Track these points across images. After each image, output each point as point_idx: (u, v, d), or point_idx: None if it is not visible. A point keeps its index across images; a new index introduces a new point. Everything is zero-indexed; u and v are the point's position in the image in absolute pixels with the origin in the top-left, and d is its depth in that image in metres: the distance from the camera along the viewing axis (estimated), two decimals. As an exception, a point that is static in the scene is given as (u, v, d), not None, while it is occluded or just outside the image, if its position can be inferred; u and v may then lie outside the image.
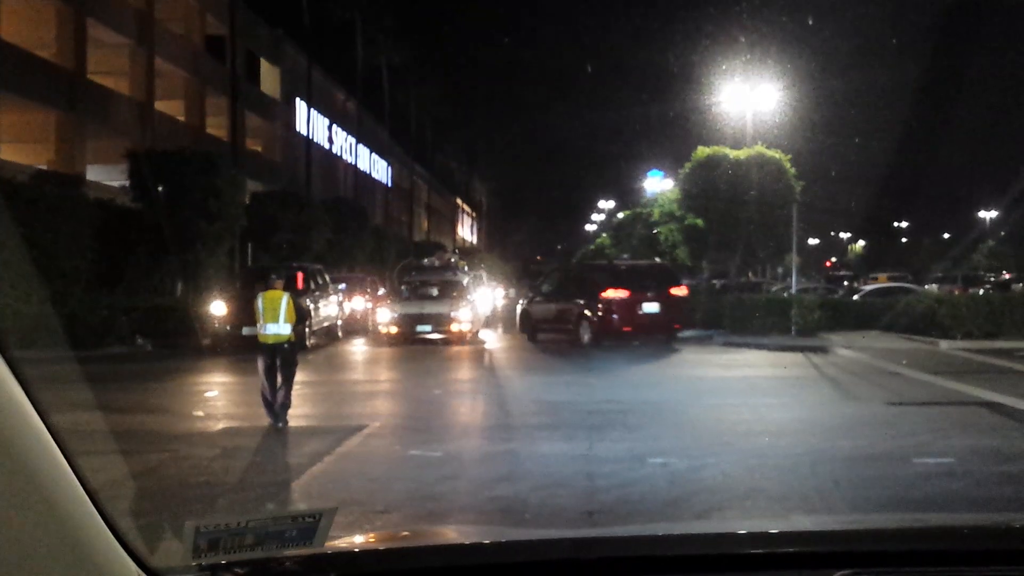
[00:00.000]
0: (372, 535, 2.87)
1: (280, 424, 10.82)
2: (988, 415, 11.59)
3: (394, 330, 22.30)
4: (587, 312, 21.72)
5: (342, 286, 26.53)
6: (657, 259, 30.04)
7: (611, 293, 21.56)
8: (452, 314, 22.47)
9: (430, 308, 22.71)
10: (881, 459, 8.98)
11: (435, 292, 23.90)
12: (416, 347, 21.65)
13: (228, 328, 20.25)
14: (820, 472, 8.34)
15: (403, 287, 24.37)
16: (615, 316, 21.30)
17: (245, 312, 18.53)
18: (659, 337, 21.99)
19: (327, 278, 24.69)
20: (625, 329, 21.54)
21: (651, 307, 21.64)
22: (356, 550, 2.23)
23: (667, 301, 21.86)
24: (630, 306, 21.44)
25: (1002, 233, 57.54)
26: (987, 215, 72.84)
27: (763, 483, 7.96)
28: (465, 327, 22.58)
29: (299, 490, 7.88)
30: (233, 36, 35.71)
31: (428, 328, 22.26)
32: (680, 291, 22.70)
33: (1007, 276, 43.33)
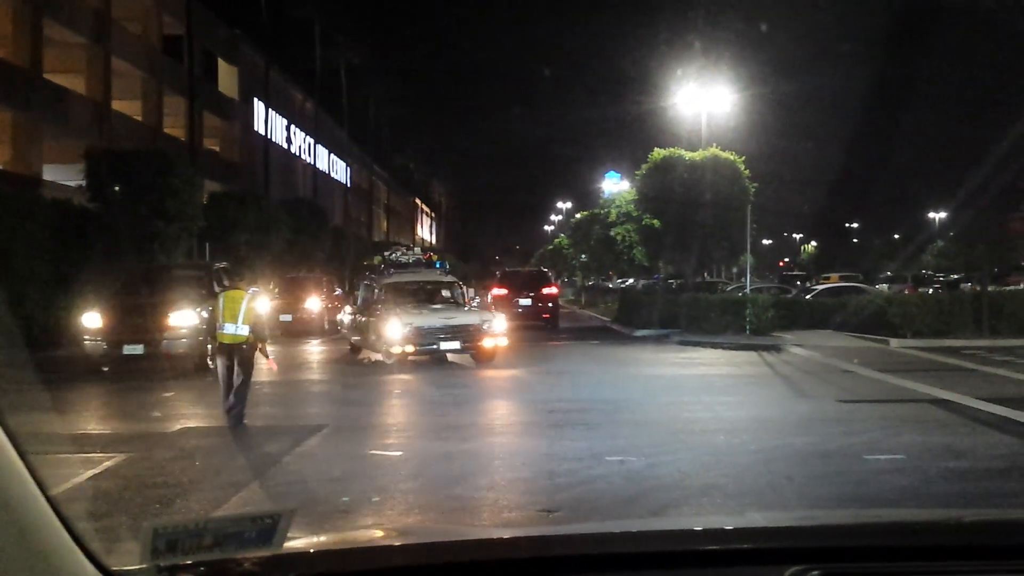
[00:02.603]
0: (332, 535, 2.87)
1: (235, 425, 10.82)
2: (937, 412, 11.82)
3: (410, 348, 17.14)
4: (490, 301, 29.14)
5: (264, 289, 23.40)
6: (542, 268, 39.01)
7: (496, 291, 30.37)
8: (485, 326, 17.77)
9: (456, 319, 17.83)
10: (833, 456, 9.14)
11: (436, 298, 19.58)
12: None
13: (105, 346, 16.27)
14: (774, 469, 8.47)
15: (377, 290, 19.15)
16: (496, 308, 26.52)
17: (125, 324, 16.31)
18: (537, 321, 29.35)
19: (234, 280, 21.25)
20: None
21: (525, 302, 29.68)
22: (315, 551, 2.22)
23: (539, 297, 29.97)
24: (509, 300, 29.17)
25: (951, 234, 58.54)
26: (936, 216, 74.13)
27: (719, 480, 8.07)
28: (501, 342, 18.11)
29: (258, 491, 7.85)
30: (190, 36, 35.33)
31: (457, 345, 17.47)
32: (551, 290, 30.84)
33: (956, 276, 44.07)
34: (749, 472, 8.43)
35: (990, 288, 25.06)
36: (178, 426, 11.20)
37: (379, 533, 3.31)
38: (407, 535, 2.91)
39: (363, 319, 19.20)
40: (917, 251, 59.31)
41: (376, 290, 19.17)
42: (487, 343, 17.64)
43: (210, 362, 15.69)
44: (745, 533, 2.36)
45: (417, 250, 21.45)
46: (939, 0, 29.34)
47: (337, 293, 30.34)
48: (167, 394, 14.08)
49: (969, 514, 3.52)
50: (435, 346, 17.37)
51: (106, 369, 16.27)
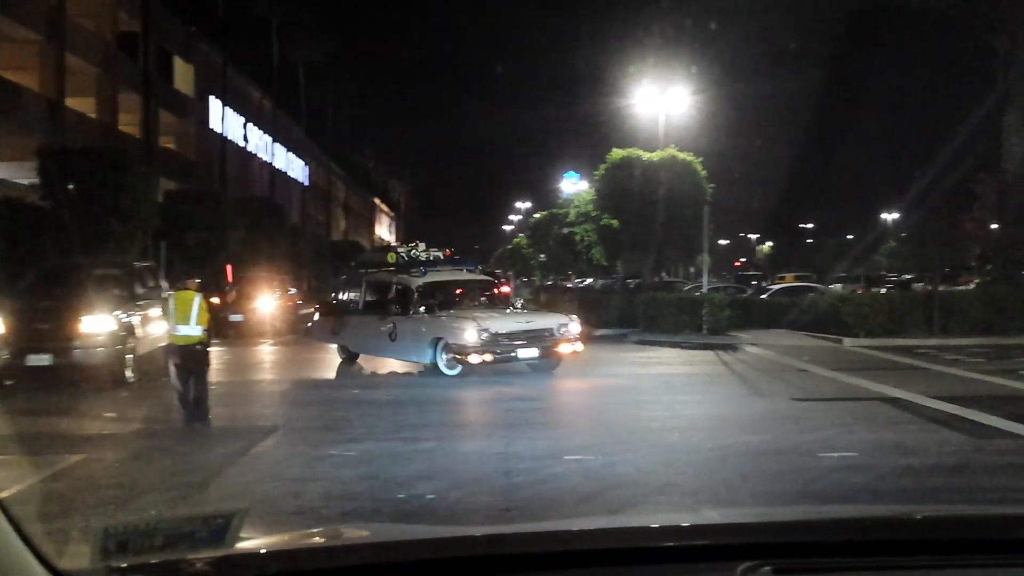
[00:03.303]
0: (285, 535, 2.85)
1: (195, 425, 10.79)
2: (889, 410, 12.01)
3: (488, 357, 15.01)
4: None
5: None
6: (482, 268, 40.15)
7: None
8: (562, 330, 15.91)
9: (534, 323, 16.10)
10: (788, 453, 9.26)
11: (476, 299, 17.70)
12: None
13: (5, 356, 14.24)
14: (730, 466, 8.56)
15: (401, 289, 16.78)
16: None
17: (30, 331, 14.34)
18: None
19: (160, 280, 17.98)
20: None
21: (482, 299, 28.94)
22: (267, 550, 2.21)
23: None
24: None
25: (903, 235, 59.44)
26: (889, 216, 75.29)
27: (676, 478, 8.15)
28: (578, 347, 16.16)
29: (213, 491, 7.79)
30: (146, 33, 34.88)
31: (535, 353, 15.53)
32: (505, 289, 30.18)
33: (908, 276, 44.79)
34: (706, 469, 8.52)
35: (941, 288, 25.50)
36: (135, 427, 11.07)
37: (334, 533, 3.30)
38: (361, 535, 2.90)
39: (375, 322, 16.67)
40: (869, 251, 60.17)
41: (403, 289, 16.67)
42: (564, 349, 15.78)
43: (129, 372, 14.55)
44: (699, 530, 2.38)
45: (422, 246, 18.44)
46: (892, 2, 29.79)
47: (292, 292, 29.87)
48: (123, 394, 13.88)
49: (919, 510, 3.58)
50: (513, 354, 15.32)
51: (9, 383, 14.18)
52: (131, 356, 14.95)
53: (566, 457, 8.88)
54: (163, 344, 15.37)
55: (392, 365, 17.31)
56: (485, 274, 19.77)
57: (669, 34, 34.28)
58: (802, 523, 2.56)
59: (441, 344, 15.49)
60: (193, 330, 11.06)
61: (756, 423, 11.15)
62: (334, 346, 18.71)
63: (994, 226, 28.16)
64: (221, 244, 31.80)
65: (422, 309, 16.18)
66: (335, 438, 10.35)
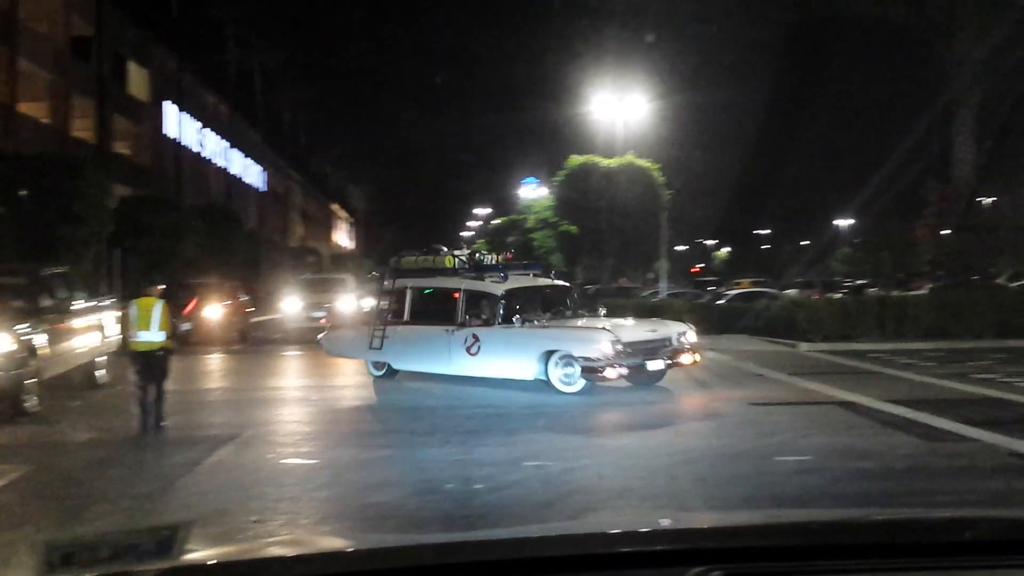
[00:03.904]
0: (234, 546, 2.80)
1: (153, 433, 10.72)
2: (844, 414, 12.15)
3: (624, 370, 13.63)
4: None
5: (108, 301, 16.92)
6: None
7: None
8: (683, 339, 14.88)
9: (658, 331, 14.85)
10: (744, 457, 9.34)
11: (555, 307, 15.99)
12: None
13: None
14: (688, 471, 8.62)
15: (477, 297, 15.09)
16: None
17: None
18: None
19: (72, 289, 15.25)
20: None
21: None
22: (212, 562, 2.17)
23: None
24: None
25: (857, 240, 60.31)
26: (842, 223, 76.39)
27: (634, 483, 8.18)
28: (697, 357, 15.10)
29: (169, 501, 7.68)
30: (99, 37, 34.44)
31: (661, 364, 14.37)
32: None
33: (861, 281, 45.46)
34: (663, 474, 8.56)
35: (894, 293, 25.90)
36: (87, 436, 10.89)
37: (284, 543, 3.25)
38: (318, 544, 2.88)
39: (438, 335, 14.94)
40: (824, 256, 61.01)
41: (482, 296, 15.01)
42: (685, 359, 14.68)
43: (27, 400, 12.12)
44: (651, 536, 2.39)
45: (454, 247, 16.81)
46: (844, 11, 30.27)
47: (244, 299, 28.79)
48: (75, 403, 13.64)
49: (872, 513, 3.62)
50: (642, 365, 13.97)
51: None
52: (33, 381, 12.38)
53: (525, 463, 8.89)
54: (84, 362, 14.70)
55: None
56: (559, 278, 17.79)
57: (627, 42, 34.50)
58: (754, 527, 2.58)
59: (556, 357, 13.88)
60: (155, 336, 11.04)
61: (713, 428, 11.23)
62: (353, 360, 16.93)
63: (945, 232, 28.67)
64: (177, 250, 31.47)
65: (516, 318, 14.66)
66: (296, 445, 10.28)
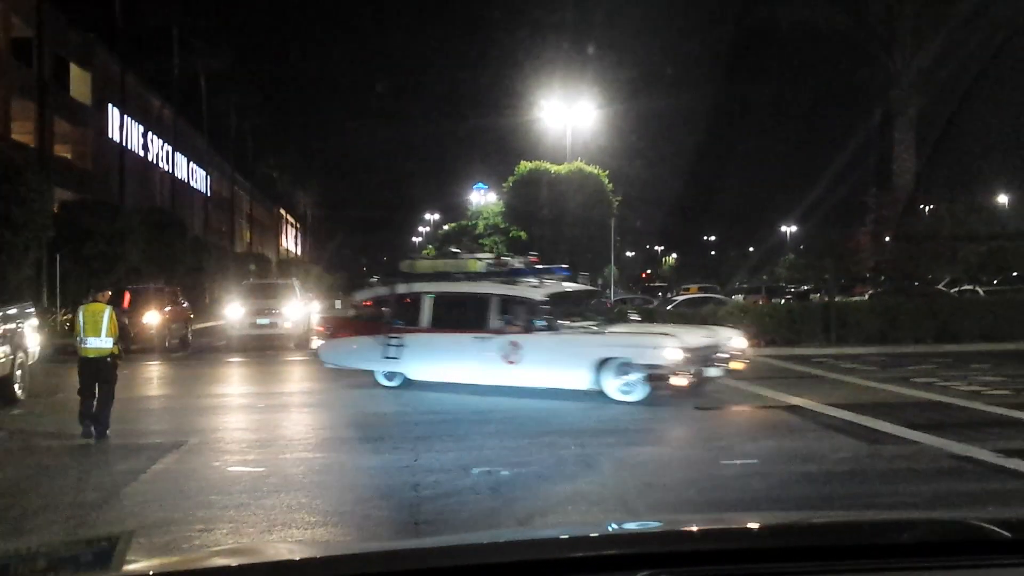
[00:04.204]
0: (177, 556, 2.76)
1: (96, 441, 10.58)
2: (789, 417, 12.32)
3: (692, 379, 13.26)
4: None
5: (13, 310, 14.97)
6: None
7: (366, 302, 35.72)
8: (731, 343, 14.60)
9: (713, 336, 14.61)
10: (692, 462, 9.44)
11: (587, 312, 15.78)
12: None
13: None
14: (637, 476, 8.68)
15: (507, 302, 14.39)
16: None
17: None
18: None
19: None
20: None
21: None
22: (152, 573, 2.14)
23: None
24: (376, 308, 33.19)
25: (801, 247, 61.34)
26: (787, 230, 77.63)
27: (584, 488, 8.21)
28: (746, 362, 15.07)
29: (114, 510, 7.55)
30: (40, 39, 33.75)
31: (718, 371, 13.97)
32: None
33: (806, 287, 46.16)
34: (613, 479, 8.61)
35: (837, 299, 26.34)
36: (30, 442, 10.66)
37: (231, 552, 3.20)
38: (263, 553, 2.84)
39: (468, 342, 14.29)
40: (769, 262, 61.89)
41: (520, 302, 14.30)
42: (736, 365, 14.40)
43: None
44: (596, 541, 2.40)
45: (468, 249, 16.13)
46: (789, 21, 30.77)
47: (184, 305, 27.94)
48: (16, 411, 13.31)
49: (815, 516, 3.67)
50: (701, 372, 13.45)
51: None
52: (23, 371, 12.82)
53: (475, 469, 8.88)
54: None
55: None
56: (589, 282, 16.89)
57: (576, 51, 34.71)
58: (701, 532, 2.60)
59: (613, 365, 13.35)
60: (103, 342, 11.03)
61: (663, 432, 11.34)
62: (367, 369, 15.68)
63: (886, 239, 29.23)
64: (119, 256, 30.92)
65: (562, 324, 14.19)
66: (242, 453, 10.16)
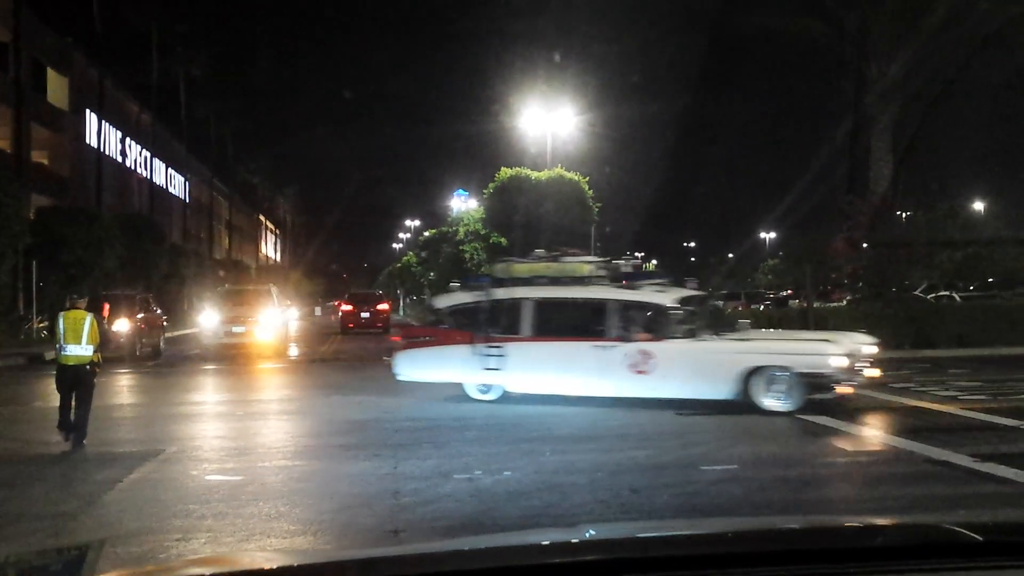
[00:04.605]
0: (150, 566, 2.74)
1: (74, 449, 10.49)
2: (768, 423, 12.36)
3: (855, 386, 13.11)
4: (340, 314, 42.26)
5: None
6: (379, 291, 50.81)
7: (344, 307, 42.23)
8: (866, 350, 13.91)
9: (859, 344, 13.84)
10: (672, 467, 9.45)
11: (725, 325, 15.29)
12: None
13: None
14: (617, 481, 8.68)
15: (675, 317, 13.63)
16: (349, 317, 40.45)
17: None
18: (371, 330, 38.93)
19: None
20: (349, 325, 40.08)
21: (366, 314, 40.42)
22: None
23: (374, 311, 40.67)
24: (355, 313, 40.49)
25: (780, 253, 61.64)
26: (767, 236, 78.12)
27: (562, 494, 8.21)
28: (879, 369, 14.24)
29: (90, 519, 7.49)
30: (17, 43, 33.51)
31: (861, 379, 13.50)
32: (383, 306, 42.10)
33: (785, 293, 46.42)
34: (593, 485, 8.62)
35: (815, 304, 26.51)
36: (6, 452, 10.57)
37: (206, 561, 3.18)
38: (239, 562, 2.83)
39: (585, 351, 13.64)
40: (749, 269, 62.17)
41: (647, 308, 13.61)
42: (871, 372, 13.64)
43: None
44: (575, 547, 2.41)
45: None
46: (769, 29, 30.98)
47: (157, 313, 27.29)
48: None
49: (789, 520, 3.69)
50: (859, 380, 13.02)
51: None
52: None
53: (455, 476, 8.87)
54: None
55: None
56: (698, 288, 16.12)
57: (557, 58, 34.79)
58: (680, 537, 2.62)
59: (764, 374, 12.88)
60: (84, 350, 10.95)
61: (642, 438, 11.34)
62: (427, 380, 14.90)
63: (864, 245, 29.45)
64: (97, 263, 30.71)
65: (703, 332, 13.66)
66: (221, 461, 10.11)
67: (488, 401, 14.22)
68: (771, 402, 12.83)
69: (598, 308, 13.83)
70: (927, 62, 29.24)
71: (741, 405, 12.94)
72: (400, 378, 15.04)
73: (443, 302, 15.57)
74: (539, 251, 15.28)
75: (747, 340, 13.82)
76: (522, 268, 14.74)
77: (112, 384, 18.48)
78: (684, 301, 13.87)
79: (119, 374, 20.35)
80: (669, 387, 13.40)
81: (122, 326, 23.75)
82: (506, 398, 14.21)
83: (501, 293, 14.39)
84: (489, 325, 14.21)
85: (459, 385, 14.58)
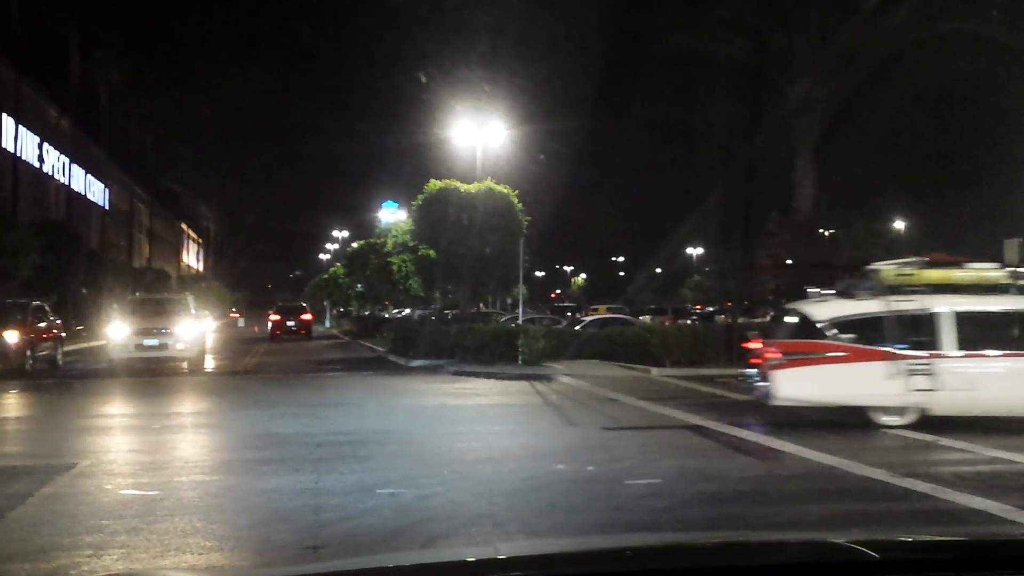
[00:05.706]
0: None
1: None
2: (693, 437, 12.48)
3: None
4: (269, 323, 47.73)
5: None
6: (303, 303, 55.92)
7: (272, 316, 47.79)
8: None
9: None
10: (596, 482, 9.45)
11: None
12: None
13: None
14: (541, 497, 8.65)
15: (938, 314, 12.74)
16: (277, 326, 46.22)
17: None
18: (297, 336, 45.74)
19: None
20: (277, 332, 45.61)
21: (291, 323, 46.59)
22: None
23: (299, 320, 47.13)
24: (282, 322, 46.48)
25: (706, 269, 62.58)
26: (694, 252, 79.32)
27: (489, 509, 8.15)
28: None
29: (-4, 537, 7.17)
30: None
31: None
32: (307, 316, 48.51)
33: (711, 309, 47.09)
34: (518, 500, 8.57)
35: (740, 320, 26.93)
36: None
37: None
38: None
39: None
40: (676, 284, 62.95)
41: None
42: None
43: None
44: (500, 563, 2.38)
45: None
46: (699, 49, 31.50)
47: (52, 323, 25.26)
48: None
49: (716, 536, 3.70)
50: None
51: None
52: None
53: (378, 491, 8.74)
54: None
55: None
56: None
57: (488, 71, 34.86)
58: (601, 551, 2.61)
59: None
60: None
61: (567, 453, 11.33)
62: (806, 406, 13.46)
63: (787, 262, 30.04)
64: (11, 270, 29.74)
65: None
66: (136, 475, 9.81)
67: (899, 426, 12.77)
68: None
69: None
70: (852, 82, 30.06)
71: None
72: (780, 403, 13.18)
73: (823, 312, 13.29)
74: (913, 258, 13.94)
75: None
76: (933, 275, 13.30)
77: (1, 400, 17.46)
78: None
79: (6, 391, 18.64)
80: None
81: (10, 338, 21.65)
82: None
83: (913, 304, 12.89)
84: (898, 340, 12.78)
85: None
